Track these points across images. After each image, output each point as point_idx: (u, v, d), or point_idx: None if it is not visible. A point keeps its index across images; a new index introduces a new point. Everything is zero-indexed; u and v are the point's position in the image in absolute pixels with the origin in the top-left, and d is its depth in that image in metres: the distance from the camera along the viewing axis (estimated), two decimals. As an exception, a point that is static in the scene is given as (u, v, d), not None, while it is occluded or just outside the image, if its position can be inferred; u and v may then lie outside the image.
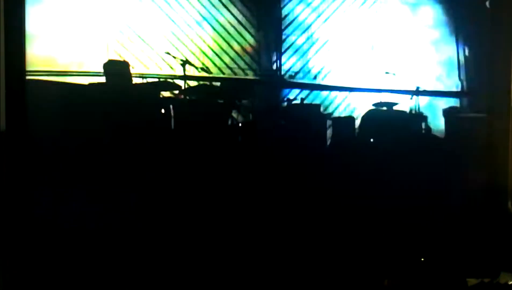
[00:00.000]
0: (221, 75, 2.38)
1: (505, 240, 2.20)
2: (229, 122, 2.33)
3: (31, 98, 2.13)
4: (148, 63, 2.30)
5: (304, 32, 2.41)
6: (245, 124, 2.34)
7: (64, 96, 2.22)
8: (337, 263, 2.21)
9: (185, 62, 2.30)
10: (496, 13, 2.31)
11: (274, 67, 2.41)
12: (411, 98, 2.39)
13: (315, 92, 2.43)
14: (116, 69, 2.26)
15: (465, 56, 2.38)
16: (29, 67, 2.13)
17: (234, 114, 2.33)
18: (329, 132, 2.38)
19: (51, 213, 2.18)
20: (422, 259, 2.20)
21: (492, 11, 2.33)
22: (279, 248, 2.19)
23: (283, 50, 2.42)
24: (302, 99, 2.40)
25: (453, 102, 2.45)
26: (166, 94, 2.35)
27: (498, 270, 2.20)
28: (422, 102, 2.42)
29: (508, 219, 2.22)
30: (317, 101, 2.40)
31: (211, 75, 2.35)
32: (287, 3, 2.40)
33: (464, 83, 2.41)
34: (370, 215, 2.24)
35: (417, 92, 2.39)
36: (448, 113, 2.43)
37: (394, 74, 2.39)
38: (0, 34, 2.13)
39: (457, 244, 2.23)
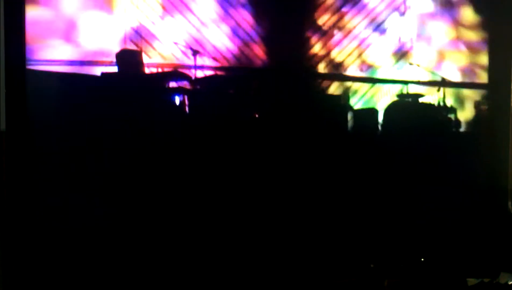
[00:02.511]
0: (240, 65, 2.35)
1: (505, 240, 2.21)
2: (250, 112, 2.30)
3: (31, 98, 2.12)
4: (159, 54, 2.27)
5: (327, 20, 2.37)
6: (263, 115, 2.31)
7: (65, 95, 2.20)
8: (337, 263, 2.21)
9: (195, 52, 2.27)
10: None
11: (296, 56, 2.37)
12: (438, 90, 2.37)
13: (336, 82, 2.39)
14: (125, 60, 2.23)
15: (493, 50, 2.35)
16: (30, 58, 2.13)
17: (253, 105, 2.30)
18: (350, 124, 2.35)
19: (52, 213, 2.17)
20: (422, 259, 2.20)
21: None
22: (279, 246, 2.19)
23: (305, 39, 2.38)
24: (324, 90, 2.37)
25: (480, 95, 2.41)
26: (182, 85, 2.31)
27: (498, 270, 2.20)
28: (448, 94, 2.39)
29: (508, 219, 2.22)
30: (338, 92, 2.36)
31: (229, 65, 2.32)
32: None
33: (491, 76, 2.37)
34: (371, 215, 2.24)
35: (443, 84, 2.36)
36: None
37: (418, 65, 2.37)
38: (0, 31, 2.13)
39: (457, 244, 2.23)
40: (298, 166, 2.26)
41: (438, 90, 2.39)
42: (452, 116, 2.41)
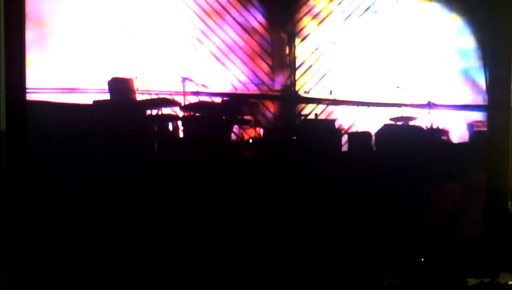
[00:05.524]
0: (234, 91, 2.36)
1: (505, 240, 2.20)
2: (242, 138, 2.32)
3: (31, 97, 2.13)
4: (151, 80, 2.28)
5: (318, 46, 2.39)
6: (257, 140, 2.32)
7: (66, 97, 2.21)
8: (338, 263, 2.21)
9: (185, 79, 2.28)
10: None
11: (288, 81, 2.39)
12: (429, 113, 2.39)
13: (330, 107, 2.41)
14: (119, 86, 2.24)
15: (485, 66, 2.36)
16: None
17: (247, 130, 2.32)
18: (344, 147, 2.36)
19: (52, 213, 2.18)
20: (422, 259, 2.20)
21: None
22: (279, 246, 2.20)
23: (297, 64, 2.40)
24: (316, 114, 2.39)
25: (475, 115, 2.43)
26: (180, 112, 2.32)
27: (498, 270, 2.20)
28: (439, 116, 2.40)
29: (508, 219, 2.22)
30: (332, 116, 2.38)
31: (223, 91, 2.34)
32: (300, 17, 2.39)
33: (486, 95, 2.39)
34: (371, 216, 2.24)
35: (430, 106, 2.38)
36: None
37: (405, 88, 2.39)
38: (0, 34, 2.13)
39: (457, 244, 2.23)
40: (299, 172, 2.27)
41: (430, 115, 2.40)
42: (451, 117, 2.42)
